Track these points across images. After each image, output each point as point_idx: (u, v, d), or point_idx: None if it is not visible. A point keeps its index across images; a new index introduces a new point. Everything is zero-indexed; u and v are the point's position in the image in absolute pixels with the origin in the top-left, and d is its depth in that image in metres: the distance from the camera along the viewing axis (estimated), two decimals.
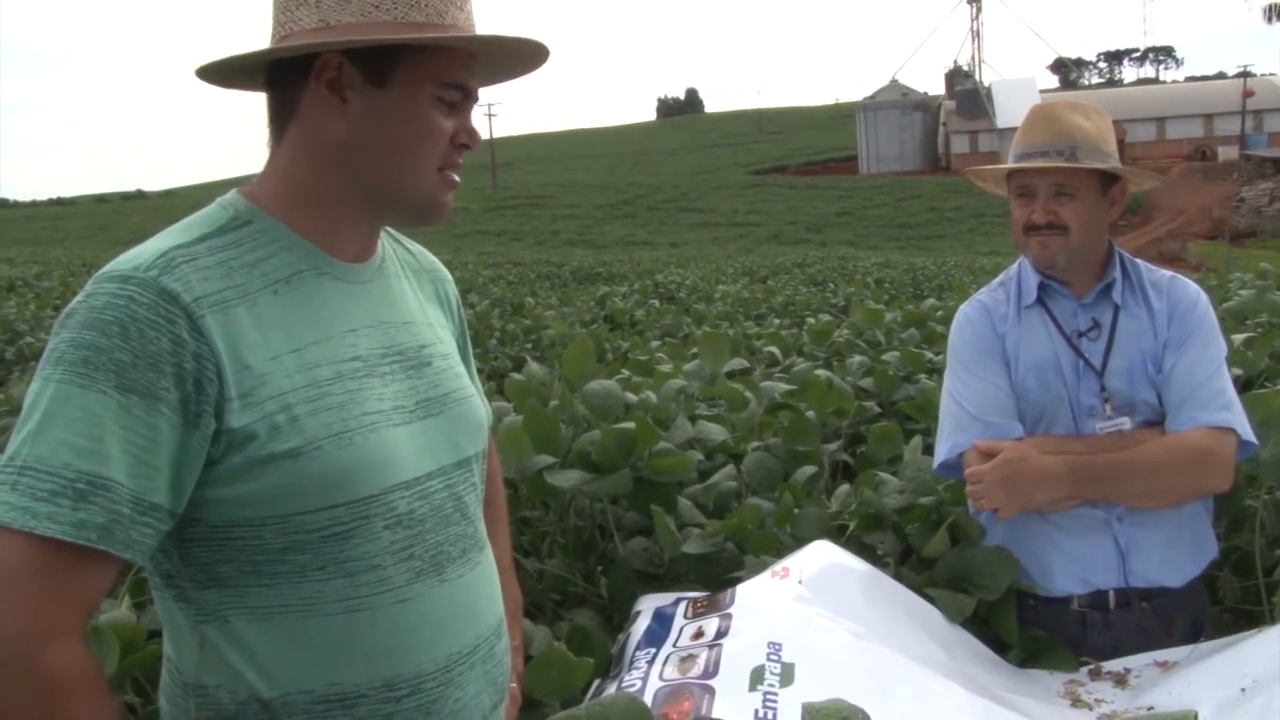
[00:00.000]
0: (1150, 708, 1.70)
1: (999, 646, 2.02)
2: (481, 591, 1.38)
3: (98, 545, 1.09)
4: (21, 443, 1.10)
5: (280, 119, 1.30)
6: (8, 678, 1.06)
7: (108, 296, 1.14)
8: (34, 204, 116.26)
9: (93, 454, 1.10)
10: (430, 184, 1.31)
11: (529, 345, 7.49)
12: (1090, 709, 1.80)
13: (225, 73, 1.31)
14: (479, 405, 1.46)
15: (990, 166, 2.25)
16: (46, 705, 1.07)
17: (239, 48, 1.28)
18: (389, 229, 1.44)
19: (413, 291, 1.44)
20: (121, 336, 1.12)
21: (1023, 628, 2.06)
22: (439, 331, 1.44)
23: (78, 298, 1.17)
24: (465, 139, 1.32)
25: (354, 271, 1.33)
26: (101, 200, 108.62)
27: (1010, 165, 2.12)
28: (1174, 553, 2.09)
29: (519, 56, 1.39)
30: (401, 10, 1.25)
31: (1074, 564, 2.09)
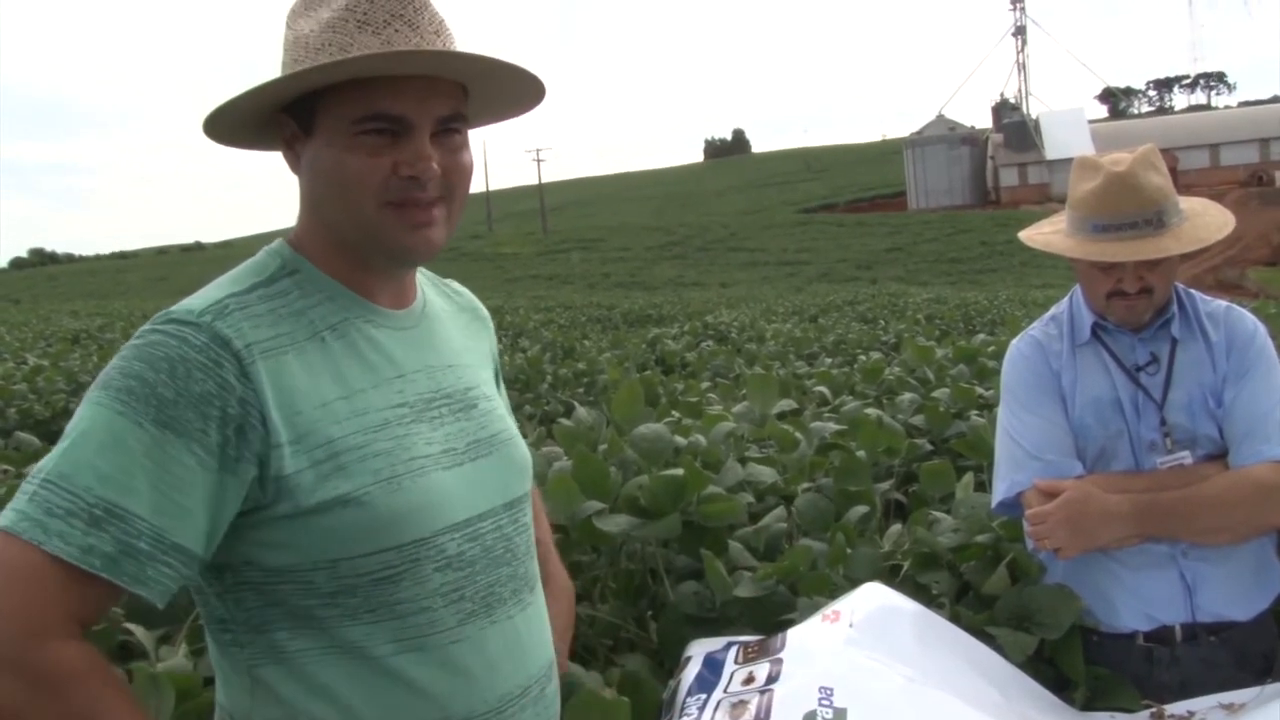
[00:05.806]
0: None
1: (1059, 686, 1.97)
2: (532, 632, 1.38)
3: (100, 573, 1.10)
4: (51, 458, 1.13)
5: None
6: (3, 676, 1.07)
7: (163, 335, 1.16)
8: (97, 258, 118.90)
9: (116, 483, 1.11)
10: (379, 222, 1.25)
11: (580, 389, 7.49)
12: None
13: (240, 134, 1.32)
14: (524, 445, 1.46)
15: (1083, 253, 2.03)
16: (43, 699, 1.08)
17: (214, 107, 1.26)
18: (424, 271, 1.45)
19: (457, 333, 1.45)
20: (169, 373, 1.14)
21: (1087, 664, 2.02)
22: (482, 373, 1.45)
23: (135, 335, 1.20)
24: (405, 170, 1.23)
25: (398, 318, 1.34)
26: (161, 252, 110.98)
27: (1111, 254, 1.99)
28: (1240, 586, 2.05)
29: (516, 91, 1.35)
30: (311, 54, 1.22)
31: (1138, 600, 2.05)
